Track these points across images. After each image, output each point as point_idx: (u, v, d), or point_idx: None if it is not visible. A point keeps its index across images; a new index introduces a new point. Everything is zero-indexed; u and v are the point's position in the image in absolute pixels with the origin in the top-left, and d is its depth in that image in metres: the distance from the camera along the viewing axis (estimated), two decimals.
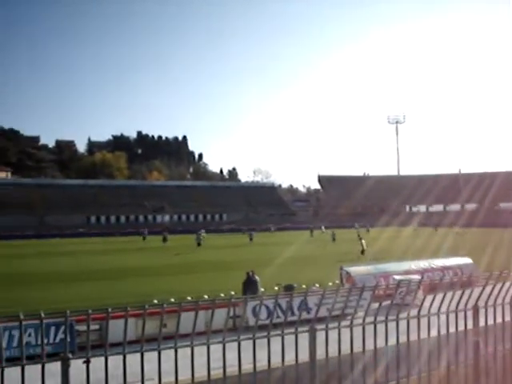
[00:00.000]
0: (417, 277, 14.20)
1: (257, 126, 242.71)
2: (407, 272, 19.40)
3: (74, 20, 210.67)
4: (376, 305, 5.53)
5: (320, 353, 5.13)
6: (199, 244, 49.38)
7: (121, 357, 4.47)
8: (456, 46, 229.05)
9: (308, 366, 5.12)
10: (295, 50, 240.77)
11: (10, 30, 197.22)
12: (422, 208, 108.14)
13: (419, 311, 5.60)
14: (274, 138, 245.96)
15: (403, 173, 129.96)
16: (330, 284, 16.75)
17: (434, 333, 5.70)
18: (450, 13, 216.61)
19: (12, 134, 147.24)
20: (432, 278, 17.13)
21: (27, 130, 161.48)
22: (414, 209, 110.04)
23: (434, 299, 5.66)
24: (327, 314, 5.18)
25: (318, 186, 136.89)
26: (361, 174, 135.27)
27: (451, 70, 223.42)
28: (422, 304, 5.69)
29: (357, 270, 20.35)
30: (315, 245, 49.29)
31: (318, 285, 15.52)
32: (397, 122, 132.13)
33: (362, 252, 36.30)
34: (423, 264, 21.90)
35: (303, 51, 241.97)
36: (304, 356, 5.10)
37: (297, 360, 5.06)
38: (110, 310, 4.42)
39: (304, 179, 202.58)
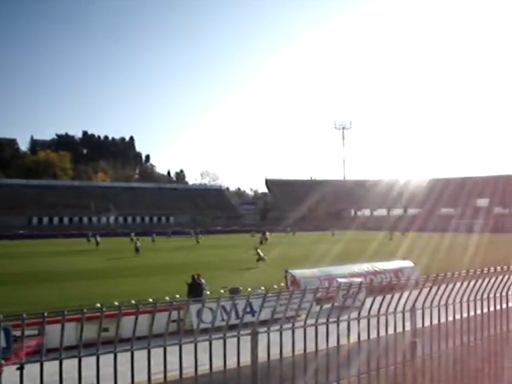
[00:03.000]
0: (359, 279, 14.51)
1: (205, 128, 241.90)
2: (351, 275, 19.77)
3: (14, 18, 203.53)
4: (318, 307, 5.61)
5: (262, 355, 5.15)
6: (137, 250, 43.67)
7: (57, 362, 4.34)
8: (398, 52, 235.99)
9: (250, 369, 5.13)
10: (244, 52, 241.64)
11: None
12: (367, 212, 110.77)
13: (359, 313, 5.72)
14: (222, 141, 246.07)
15: (349, 177, 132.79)
16: (276, 287, 16.88)
17: (374, 335, 5.83)
18: (395, 15, 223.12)
19: None
20: (374, 280, 17.55)
21: None
22: (359, 213, 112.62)
23: (373, 301, 5.80)
24: (270, 316, 5.20)
25: (265, 190, 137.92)
26: (307, 178, 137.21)
27: (395, 78, 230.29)
28: (362, 306, 5.81)
29: (302, 272, 20.56)
30: (263, 248, 49.61)
31: (263, 288, 15.59)
32: (343, 128, 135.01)
33: (258, 260, 34.33)
34: (366, 267, 22.39)
35: (251, 54, 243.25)
36: (246, 359, 5.11)
37: (239, 363, 5.06)
38: (46, 314, 4.28)
39: (251, 182, 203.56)
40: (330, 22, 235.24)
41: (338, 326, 5.60)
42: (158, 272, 30.42)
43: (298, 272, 20.56)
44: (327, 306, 5.75)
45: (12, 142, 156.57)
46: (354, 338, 5.72)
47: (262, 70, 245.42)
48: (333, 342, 5.55)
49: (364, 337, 5.76)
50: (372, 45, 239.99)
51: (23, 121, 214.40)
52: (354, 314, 5.73)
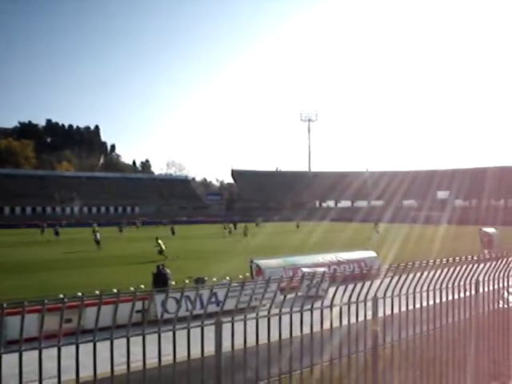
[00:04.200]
0: (322, 269, 14.69)
1: (171, 118, 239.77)
2: (315, 265, 19.99)
3: None
4: (282, 297, 5.66)
5: (226, 345, 5.18)
6: (98, 242, 41.38)
7: (17, 355, 4.27)
8: (362, 42, 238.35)
9: (214, 358, 5.15)
10: (210, 44, 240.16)
11: None
12: (331, 204, 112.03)
13: (322, 302, 5.80)
14: (188, 131, 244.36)
15: (314, 169, 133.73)
16: (241, 277, 16.92)
17: (336, 324, 5.93)
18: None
19: None
20: (338, 270, 17.79)
21: None
22: (324, 204, 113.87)
23: (336, 291, 5.89)
24: (234, 306, 5.23)
25: (231, 180, 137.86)
26: (273, 169, 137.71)
27: (360, 70, 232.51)
28: (325, 295, 5.89)
29: (266, 262, 20.69)
30: (228, 238, 49.70)
31: (228, 278, 15.62)
32: (309, 120, 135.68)
33: (160, 253, 32.75)
34: (330, 257, 22.70)
35: (218, 45, 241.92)
36: (210, 349, 5.13)
37: (202, 353, 5.08)
38: (5, 305, 4.20)
39: (217, 173, 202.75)
40: (297, 13, 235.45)
41: (301, 315, 5.67)
42: (122, 262, 30.17)
43: (262, 262, 20.68)
44: (291, 295, 5.81)
45: None
46: (317, 328, 5.80)
47: (230, 61, 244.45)
48: (296, 332, 5.62)
49: (327, 326, 5.85)
50: (336, 35, 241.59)
51: None
52: (318, 304, 5.81)
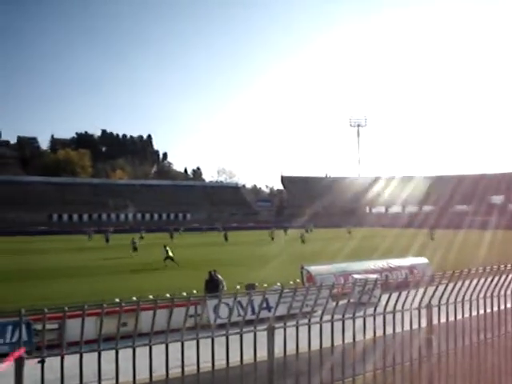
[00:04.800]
0: (374, 276, 14.45)
1: (222, 126, 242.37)
2: (366, 271, 19.72)
3: (31, 17, 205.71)
4: (334, 303, 5.64)
5: (278, 351, 5.21)
6: (135, 249, 41.62)
7: (78, 356, 4.44)
8: (413, 47, 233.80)
9: (266, 364, 5.19)
10: (260, 50, 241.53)
11: None
12: (382, 209, 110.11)
13: (375, 309, 5.73)
14: (238, 138, 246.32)
15: (364, 175, 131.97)
16: (292, 283, 16.91)
17: (389, 331, 5.85)
18: (409, 13, 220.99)
19: None
20: (389, 277, 17.48)
21: None
22: (375, 210, 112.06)
23: (389, 298, 5.81)
24: (286, 312, 5.25)
25: (280, 187, 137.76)
26: (323, 175, 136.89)
27: (409, 75, 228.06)
28: (378, 302, 5.83)
29: (317, 269, 20.57)
30: (279, 244, 49.58)
31: (279, 284, 15.64)
32: (358, 125, 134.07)
33: (166, 259, 32.79)
34: (381, 264, 22.32)
35: (268, 51, 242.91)
36: (263, 354, 5.17)
37: (255, 358, 5.12)
38: (66, 308, 4.39)
39: (267, 180, 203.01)
40: (346, 16, 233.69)
41: (353, 322, 5.63)
42: (174, 268, 30.58)
43: (313, 268, 20.57)
44: (343, 302, 5.77)
45: (33, 141, 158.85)
46: (369, 335, 5.74)
47: (278, 67, 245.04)
48: (348, 338, 5.58)
49: (380, 333, 5.78)
50: (386, 38, 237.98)
51: (44, 120, 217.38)
52: (370, 311, 5.75)
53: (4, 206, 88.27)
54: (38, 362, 4.29)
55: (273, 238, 55.39)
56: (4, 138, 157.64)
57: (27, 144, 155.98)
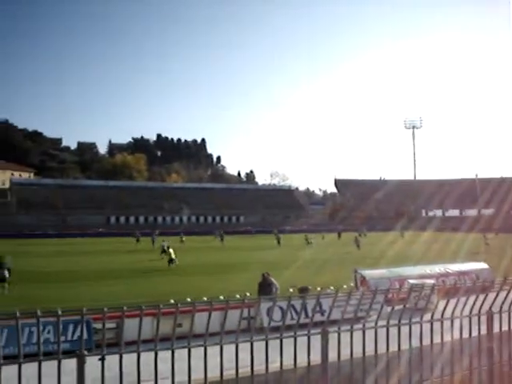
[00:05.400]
0: (431, 281, 14.05)
1: (275, 129, 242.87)
2: (422, 276, 19.19)
3: (86, 22, 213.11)
4: (389, 308, 5.54)
5: (332, 355, 5.16)
6: (163, 251, 39.96)
7: (135, 355, 4.55)
8: (471, 48, 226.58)
9: (320, 367, 5.15)
10: (315, 52, 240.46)
11: (30, 36, 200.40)
12: (439, 213, 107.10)
13: (432, 316, 5.59)
14: (291, 141, 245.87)
15: (420, 177, 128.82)
16: (345, 287, 16.75)
17: (447, 338, 5.69)
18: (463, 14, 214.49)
19: (35, 136, 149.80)
20: (447, 282, 16.99)
21: (50, 132, 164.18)
22: (431, 213, 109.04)
23: (447, 304, 5.66)
24: (340, 316, 5.20)
25: (334, 190, 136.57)
26: (377, 178, 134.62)
27: (468, 75, 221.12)
28: (435, 308, 5.68)
29: (371, 273, 20.23)
30: (333, 248, 49.11)
31: (332, 287, 15.52)
32: (413, 127, 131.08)
33: (170, 262, 33.33)
34: (438, 269, 21.66)
35: (322, 53, 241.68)
36: (316, 358, 5.14)
37: (309, 362, 5.10)
38: (125, 308, 4.51)
39: (321, 183, 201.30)
40: (400, 19, 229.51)
41: (410, 328, 5.51)
42: (228, 270, 30.82)
43: (367, 272, 20.25)
44: (398, 307, 5.66)
45: (92, 146, 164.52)
46: (426, 341, 5.60)
47: (331, 69, 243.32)
48: (404, 345, 5.47)
49: (437, 340, 5.63)
50: (443, 41, 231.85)
51: (102, 126, 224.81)
52: (427, 317, 5.62)
53: (65, 209, 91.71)
54: (99, 359, 4.43)
55: (311, 242, 53.91)
56: (65, 143, 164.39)
57: (87, 149, 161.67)
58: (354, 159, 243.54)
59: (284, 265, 32.02)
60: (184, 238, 57.51)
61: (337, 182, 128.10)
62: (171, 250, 33.95)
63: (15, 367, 4.24)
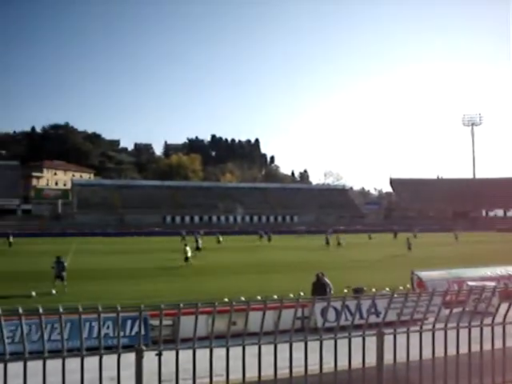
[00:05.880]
0: (492, 283, 13.53)
1: (329, 128, 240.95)
2: (482, 278, 18.53)
3: (150, 22, 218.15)
4: (447, 311, 5.40)
5: (388, 357, 5.08)
6: (198, 248, 42.39)
7: (191, 351, 4.63)
8: None
9: (375, 370, 5.08)
10: (370, 50, 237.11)
11: (89, 39, 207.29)
12: (500, 213, 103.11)
13: (493, 319, 5.41)
14: (345, 140, 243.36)
15: (479, 176, 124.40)
16: (401, 288, 16.43)
17: (509, 343, 5.49)
18: None
19: (94, 138, 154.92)
20: (509, 285, 16.35)
21: (108, 134, 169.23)
22: (491, 213, 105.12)
23: (509, 307, 5.45)
24: (396, 318, 5.11)
25: (389, 189, 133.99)
26: (434, 176, 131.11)
27: None
28: (496, 312, 5.49)
29: (428, 274, 19.69)
30: (387, 248, 48.24)
31: (388, 288, 15.27)
32: (472, 124, 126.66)
33: (186, 260, 33.58)
34: (500, 271, 20.86)
35: (378, 51, 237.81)
36: (371, 360, 5.07)
37: (364, 364, 5.04)
38: (181, 305, 4.60)
39: (376, 182, 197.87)
40: (459, 14, 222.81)
41: (469, 331, 5.35)
42: (280, 270, 30.78)
43: (424, 274, 19.73)
44: (457, 310, 5.51)
45: (148, 147, 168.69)
46: (487, 346, 5.42)
47: (387, 67, 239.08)
48: (463, 348, 5.31)
49: (499, 345, 5.44)
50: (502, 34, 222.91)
51: (158, 127, 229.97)
52: (488, 320, 5.43)
53: (122, 208, 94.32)
54: (156, 354, 4.54)
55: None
56: (122, 145, 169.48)
57: (143, 150, 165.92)
58: (410, 157, 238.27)
59: (338, 265, 31.78)
60: (221, 238, 57.68)
61: (392, 181, 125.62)
62: (188, 249, 34.46)
63: (77, 360, 4.41)
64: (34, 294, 19.74)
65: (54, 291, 20.97)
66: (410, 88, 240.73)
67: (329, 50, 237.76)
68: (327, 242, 53.60)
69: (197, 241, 51.79)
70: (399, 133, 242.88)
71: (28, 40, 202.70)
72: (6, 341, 4.29)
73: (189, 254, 33.99)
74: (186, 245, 34.93)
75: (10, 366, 4.34)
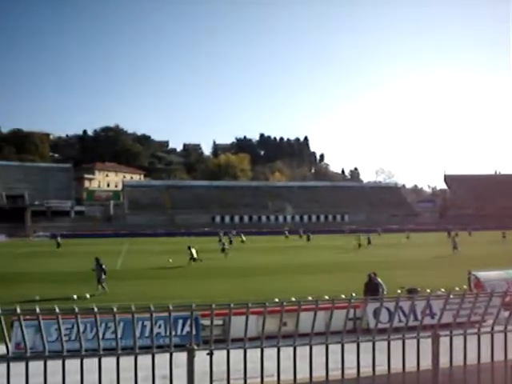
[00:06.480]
0: None
1: (379, 124, 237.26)
2: None
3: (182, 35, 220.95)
4: (506, 313, 5.18)
5: (443, 361, 4.92)
6: (223, 250, 42.50)
7: (242, 351, 4.63)
8: None
9: (430, 373, 4.93)
10: (424, 46, 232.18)
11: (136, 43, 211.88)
12: None
13: None
14: (397, 136, 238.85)
15: None
16: (457, 289, 15.97)
17: None
18: None
19: (144, 140, 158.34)
20: None
21: (157, 136, 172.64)
22: None
23: None
24: (452, 319, 4.95)
25: (444, 186, 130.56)
26: (491, 172, 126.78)
27: None
28: None
29: (487, 275, 19.01)
30: (441, 248, 47.05)
31: (443, 289, 14.85)
32: None
33: (193, 260, 34.08)
34: None
35: (430, 45, 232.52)
36: (426, 363, 4.93)
37: (418, 366, 4.90)
38: (232, 305, 4.60)
39: (429, 179, 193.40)
40: None
41: None
42: (334, 270, 30.55)
43: (482, 274, 19.07)
44: None
45: (196, 148, 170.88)
46: None
47: (438, 61, 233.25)
48: None
49: None
50: None
51: (206, 128, 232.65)
52: None
53: (172, 209, 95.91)
54: (207, 354, 4.56)
55: (360, 244, 50.37)
56: (172, 146, 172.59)
57: (192, 150, 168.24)
58: (465, 153, 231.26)
59: (389, 265, 31.26)
60: (244, 238, 57.47)
61: (447, 178, 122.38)
62: (193, 250, 34.51)
63: (129, 358, 4.49)
64: (75, 297, 19.43)
65: (87, 295, 20.48)
66: (463, 80, 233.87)
67: (380, 45, 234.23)
68: (369, 242, 52.29)
69: (231, 241, 52.42)
70: (453, 127, 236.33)
71: (78, 45, 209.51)
72: (64, 338, 4.43)
73: (195, 255, 34.40)
74: (190, 247, 35.08)
75: (67, 362, 4.46)
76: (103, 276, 22.37)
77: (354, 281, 19.37)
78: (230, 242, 53.12)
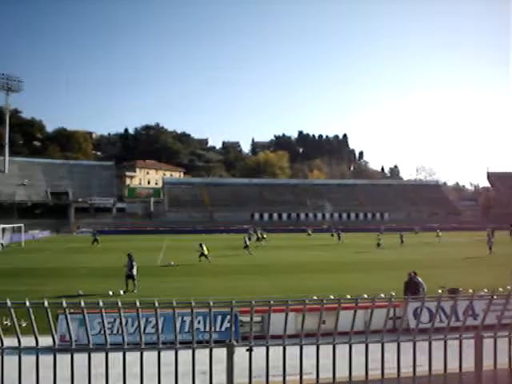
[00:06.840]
0: None
1: (419, 121, 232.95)
2: None
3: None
4: None
5: (487, 363, 4.82)
6: (245, 246, 41.73)
7: (280, 348, 4.64)
8: None
9: (473, 376, 4.83)
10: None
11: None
12: None
13: None
14: (437, 133, 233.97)
15: None
16: (501, 289, 15.55)
17: None
18: None
19: (184, 138, 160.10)
20: None
21: (197, 134, 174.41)
22: None
23: None
24: (496, 321, 4.84)
25: (487, 184, 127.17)
26: None
27: None
28: None
29: None
30: (479, 247, 45.83)
31: (486, 290, 14.51)
32: None
33: (204, 257, 33.93)
34: None
35: (471, 45, 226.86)
36: (468, 365, 4.83)
37: (460, 368, 4.81)
38: (272, 302, 4.62)
39: (472, 177, 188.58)
40: None
41: None
42: (374, 268, 30.22)
43: None
44: None
45: (235, 145, 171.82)
46: None
47: (478, 57, 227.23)
48: None
49: None
50: None
51: (245, 125, 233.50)
52: None
53: (211, 206, 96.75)
54: (247, 350, 4.59)
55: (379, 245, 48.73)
56: (211, 144, 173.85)
57: (231, 148, 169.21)
58: (508, 149, 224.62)
59: (431, 264, 30.72)
60: (265, 236, 57.14)
61: (490, 176, 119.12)
62: (204, 247, 34.34)
63: (170, 353, 4.57)
64: (110, 292, 19.57)
65: (121, 291, 20.28)
66: (505, 74, 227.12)
67: (425, 42, 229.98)
68: (401, 241, 50.95)
69: (258, 237, 52.35)
70: (496, 122, 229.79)
71: (120, 46, 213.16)
72: (107, 332, 4.55)
73: (206, 252, 34.27)
74: (201, 244, 35.00)
75: (110, 355, 4.58)
76: (135, 272, 22.03)
77: (390, 279, 19.12)
78: (258, 239, 53.20)
